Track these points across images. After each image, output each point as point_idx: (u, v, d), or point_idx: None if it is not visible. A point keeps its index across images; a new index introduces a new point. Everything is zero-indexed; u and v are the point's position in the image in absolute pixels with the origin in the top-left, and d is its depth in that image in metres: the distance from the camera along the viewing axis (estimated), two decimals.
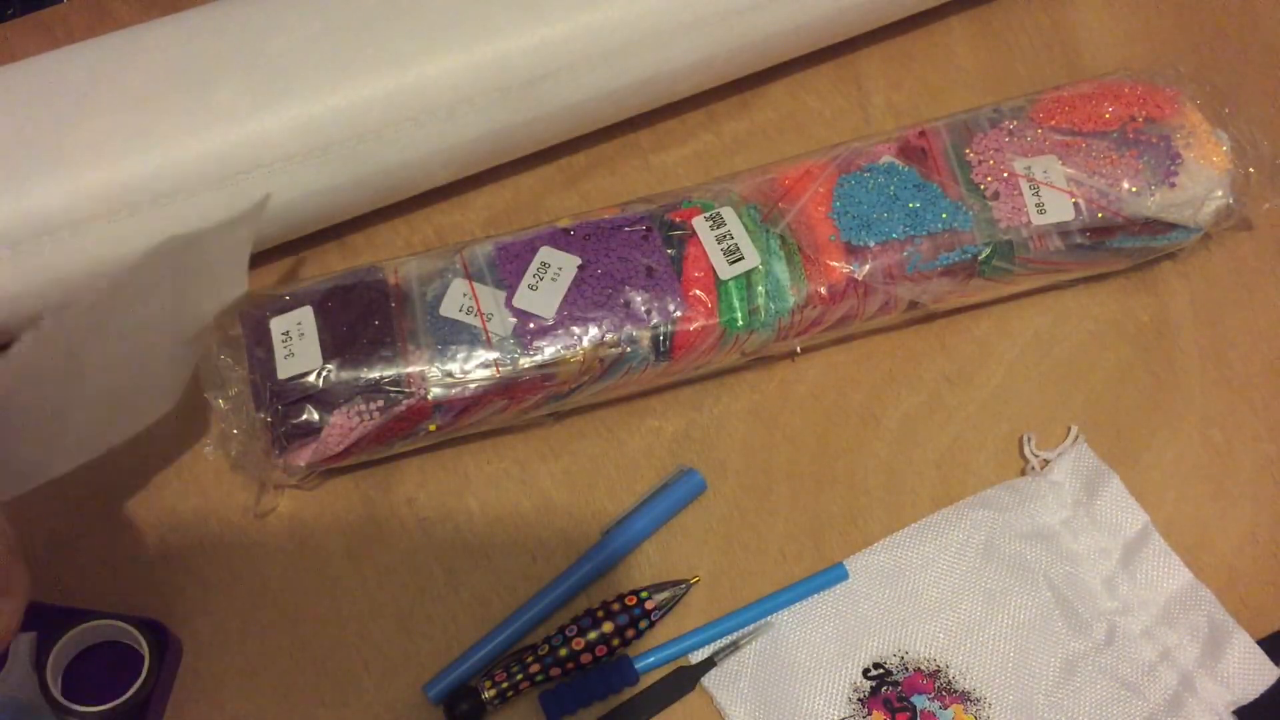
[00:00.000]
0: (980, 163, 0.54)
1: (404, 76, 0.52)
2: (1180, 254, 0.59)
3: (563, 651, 0.48)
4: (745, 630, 0.50)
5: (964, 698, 0.49)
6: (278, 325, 0.50)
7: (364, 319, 0.50)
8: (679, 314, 0.51)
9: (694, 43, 0.55)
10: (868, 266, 0.52)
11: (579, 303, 0.51)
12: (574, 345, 0.50)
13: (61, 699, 0.46)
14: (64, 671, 0.48)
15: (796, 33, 0.58)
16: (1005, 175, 0.54)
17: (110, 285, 0.44)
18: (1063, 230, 0.53)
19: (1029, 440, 0.54)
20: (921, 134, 0.56)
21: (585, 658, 0.48)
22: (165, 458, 0.54)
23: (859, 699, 0.49)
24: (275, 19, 0.52)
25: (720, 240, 0.52)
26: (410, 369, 0.49)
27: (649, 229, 0.52)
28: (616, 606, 0.49)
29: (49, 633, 0.47)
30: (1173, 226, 0.54)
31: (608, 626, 0.48)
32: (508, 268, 0.51)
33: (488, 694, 0.48)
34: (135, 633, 0.47)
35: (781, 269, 0.52)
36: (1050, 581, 0.51)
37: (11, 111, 0.50)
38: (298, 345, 0.50)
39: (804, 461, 0.54)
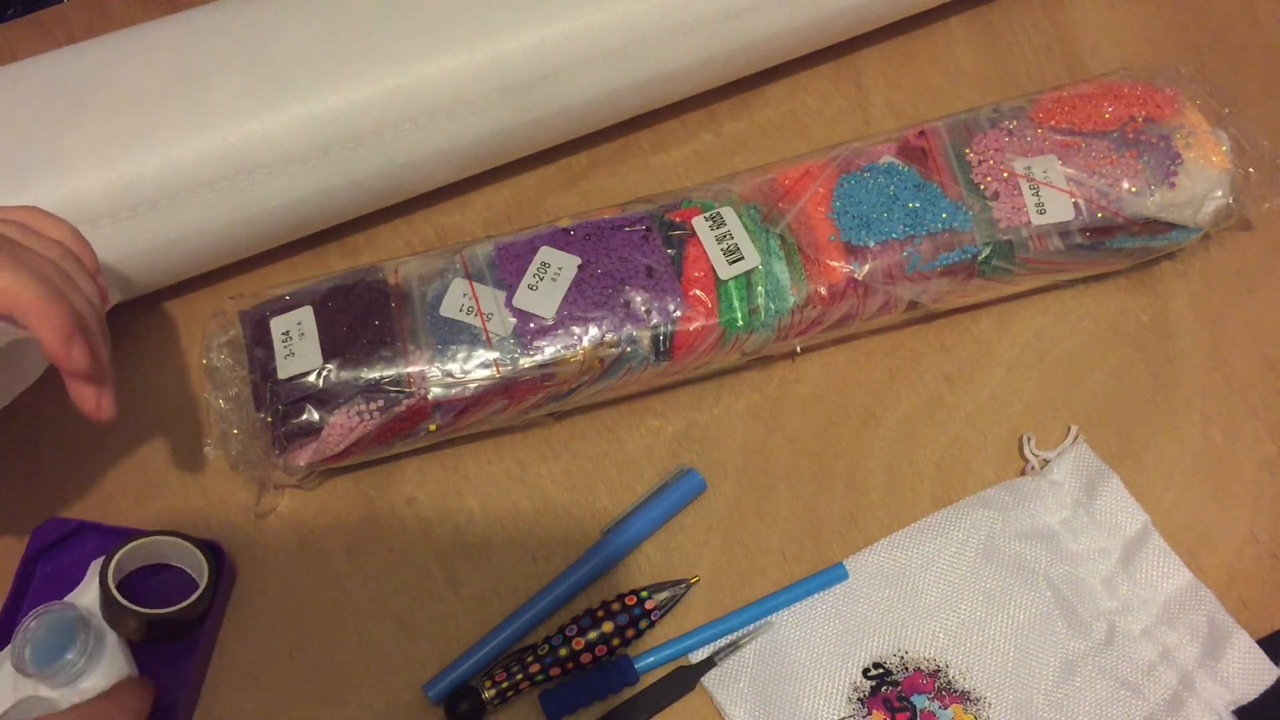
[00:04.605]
0: (980, 163, 0.54)
1: (404, 76, 0.52)
2: (1180, 254, 0.59)
3: (563, 651, 0.48)
4: (745, 630, 0.50)
5: (964, 697, 0.49)
6: (278, 325, 0.50)
7: (364, 319, 0.50)
8: (679, 314, 0.51)
9: (694, 43, 0.55)
10: (868, 266, 0.52)
11: (579, 303, 0.51)
12: (574, 345, 0.50)
13: (122, 600, 0.45)
14: (125, 593, 0.47)
15: (796, 33, 0.58)
16: (1005, 175, 0.54)
17: None
18: (1063, 230, 0.53)
19: (1029, 440, 0.54)
20: (921, 134, 0.56)
21: (585, 657, 0.48)
22: (165, 458, 0.54)
23: (859, 699, 0.49)
24: (275, 19, 0.52)
25: (720, 240, 0.52)
26: (410, 369, 0.49)
27: (649, 229, 0.52)
28: (616, 606, 0.49)
29: (112, 547, 0.47)
30: (1172, 226, 0.54)
31: (608, 626, 0.48)
32: (508, 268, 0.51)
33: (488, 694, 0.48)
34: (194, 549, 0.48)
35: (781, 269, 0.52)
36: (1050, 581, 0.51)
37: (11, 111, 0.50)
38: (298, 345, 0.50)
39: (804, 461, 0.54)
